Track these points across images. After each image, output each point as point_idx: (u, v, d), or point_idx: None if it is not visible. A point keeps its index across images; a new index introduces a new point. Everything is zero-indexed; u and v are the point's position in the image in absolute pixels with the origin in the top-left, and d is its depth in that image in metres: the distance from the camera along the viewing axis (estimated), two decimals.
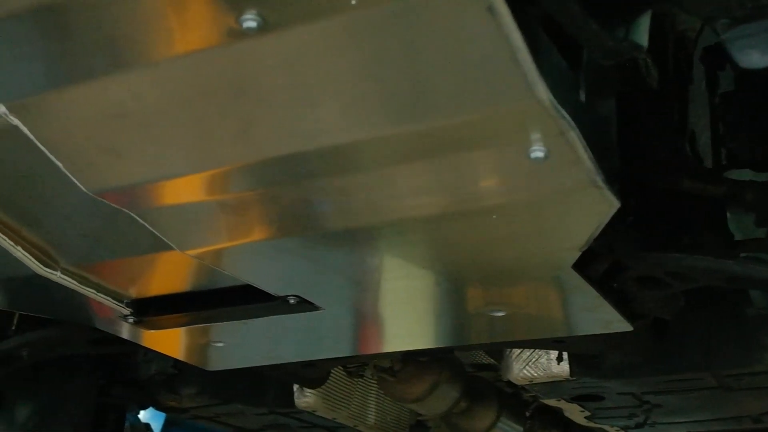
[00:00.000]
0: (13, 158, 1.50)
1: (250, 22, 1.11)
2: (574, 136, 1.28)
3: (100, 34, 1.18)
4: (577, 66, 1.38)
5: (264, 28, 1.12)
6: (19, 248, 1.74)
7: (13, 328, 2.78)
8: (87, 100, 1.31)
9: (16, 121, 1.36)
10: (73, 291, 1.91)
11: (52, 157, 1.44)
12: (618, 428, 3.39)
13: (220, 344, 2.33)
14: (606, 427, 3.41)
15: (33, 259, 1.77)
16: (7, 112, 1.35)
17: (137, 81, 1.26)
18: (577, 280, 1.80)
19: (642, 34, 1.36)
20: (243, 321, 2.11)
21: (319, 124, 1.31)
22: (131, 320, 2.10)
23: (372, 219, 1.57)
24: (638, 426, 3.28)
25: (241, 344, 2.34)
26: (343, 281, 1.88)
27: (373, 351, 2.45)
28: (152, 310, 2.08)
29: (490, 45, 1.12)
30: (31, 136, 1.39)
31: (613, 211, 1.50)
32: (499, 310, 2.02)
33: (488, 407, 3.45)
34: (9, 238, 1.72)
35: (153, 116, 1.33)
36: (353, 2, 1.08)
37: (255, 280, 1.89)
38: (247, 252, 1.72)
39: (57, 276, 1.84)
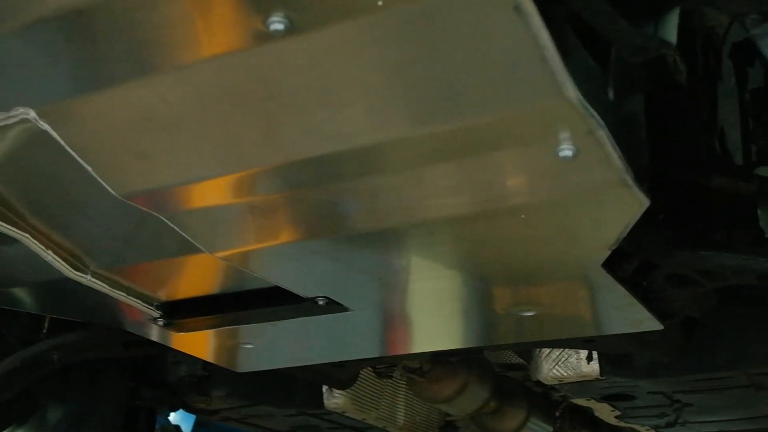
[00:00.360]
0: (42, 163, 1.51)
1: (276, 24, 1.11)
2: (603, 135, 1.27)
3: (128, 39, 1.19)
4: (605, 64, 1.37)
5: (291, 30, 1.12)
6: (50, 252, 1.75)
7: (44, 331, 2.80)
8: (115, 105, 1.31)
9: (45, 126, 1.37)
10: (103, 294, 1.92)
11: (82, 162, 1.45)
12: (649, 427, 3.37)
13: (249, 346, 2.33)
14: (637, 427, 3.40)
15: (63, 263, 1.78)
16: (37, 118, 1.36)
17: (165, 85, 1.26)
18: (606, 279, 1.79)
19: (670, 30, 1.35)
20: (272, 322, 2.11)
21: (347, 126, 1.31)
22: (161, 323, 2.10)
23: (400, 220, 1.56)
24: (669, 425, 3.27)
25: (270, 346, 2.35)
26: (371, 282, 1.88)
27: (402, 352, 2.45)
28: (182, 312, 2.09)
29: (518, 44, 1.12)
30: (61, 141, 1.40)
31: (643, 209, 1.49)
32: (528, 310, 2.01)
33: (517, 407, 3.44)
34: (40, 242, 1.73)
35: (181, 120, 1.33)
36: (379, 3, 1.08)
37: (284, 282, 1.89)
38: (275, 254, 1.73)
39: (87, 279, 1.85)
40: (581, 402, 3.11)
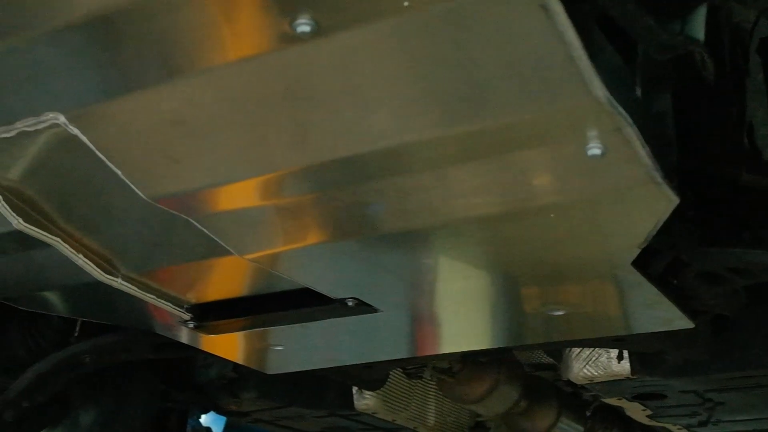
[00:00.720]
0: (72, 167, 1.52)
1: (303, 26, 1.12)
2: (631, 132, 1.27)
3: (156, 43, 1.20)
4: (632, 62, 1.37)
5: (317, 32, 1.13)
6: (81, 256, 1.76)
7: (76, 334, 2.82)
8: (144, 109, 1.32)
9: (75, 131, 1.38)
10: (133, 297, 1.93)
11: (111, 165, 1.46)
12: (681, 427, 3.35)
13: (280, 348, 2.34)
14: (669, 426, 3.38)
15: (94, 267, 1.80)
16: (67, 122, 1.37)
17: (193, 88, 1.27)
18: (636, 277, 1.78)
19: (697, 27, 1.34)
20: (301, 324, 2.12)
21: (375, 127, 1.31)
22: (191, 325, 2.11)
23: (429, 220, 1.56)
24: (701, 424, 3.25)
25: (299, 347, 2.35)
26: (400, 283, 1.88)
27: (432, 352, 2.44)
28: (212, 314, 2.10)
29: (545, 43, 1.12)
30: (90, 145, 1.41)
31: (672, 207, 1.48)
32: (558, 309, 2.01)
33: (548, 407, 3.43)
34: (71, 246, 1.74)
35: (209, 123, 1.34)
36: (405, 3, 1.08)
37: (313, 283, 1.89)
38: (304, 255, 1.73)
39: (118, 282, 1.86)
40: (612, 401, 3.09)
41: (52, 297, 2.11)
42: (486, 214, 1.53)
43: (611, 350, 2.68)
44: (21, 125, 1.40)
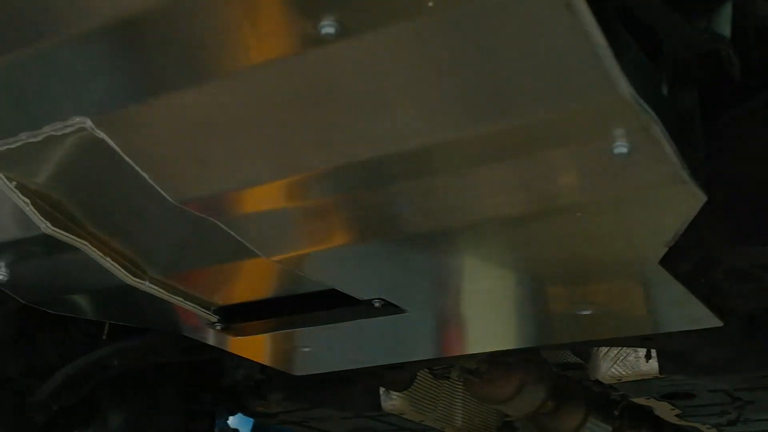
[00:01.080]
0: (99, 171, 1.53)
1: (328, 28, 1.12)
2: (658, 131, 1.26)
3: (181, 47, 1.20)
4: (658, 59, 1.36)
5: (342, 33, 1.13)
6: (109, 259, 1.77)
7: (104, 337, 2.83)
8: (170, 112, 1.33)
9: (102, 135, 1.39)
10: (161, 300, 1.94)
11: (138, 169, 1.46)
12: (710, 426, 3.33)
13: (306, 349, 2.34)
14: (698, 425, 3.36)
15: (122, 269, 1.80)
16: (94, 127, 1.37)
17: (218, 91, 1.27)
18: (664, 276, 1.77)
19: (723, 24, 1.33)
20: (328, 325, 2.12)
21: (399, 128, 1.31)
22: (218, 327, 2.12)
23: (454, 220, 1.56)
24: (731, 423, 3.22)
25: (327, 348, 2.35)
26: (427, 283, 1.88)
27: (458, 352, 2.44)
28: (239, 316, 2.10)
29: (570, 42, 1.11)
30: (117, 149, 1.42)
31: (700, 205, 1.47)
32: (585, 309, 2.00)
33: (576, 407, 3.41)
34: (99, 250, 1.75)
35: (235, 125, 1.34)
36: (430, 4, 1.08)
37: (339, 284, 1.89)
38: (331, 256, 1.73)
39: (146, 285, 1.87)
40: (641, 401, 3.08)
41: (81, 300, 2.12)
42: (511, 213, 1.52)
43: (639, 349, 2.66)
44: (48, 130, 1.41)
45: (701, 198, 1.44)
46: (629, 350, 2.71)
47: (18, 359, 2.81)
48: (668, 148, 1.30)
